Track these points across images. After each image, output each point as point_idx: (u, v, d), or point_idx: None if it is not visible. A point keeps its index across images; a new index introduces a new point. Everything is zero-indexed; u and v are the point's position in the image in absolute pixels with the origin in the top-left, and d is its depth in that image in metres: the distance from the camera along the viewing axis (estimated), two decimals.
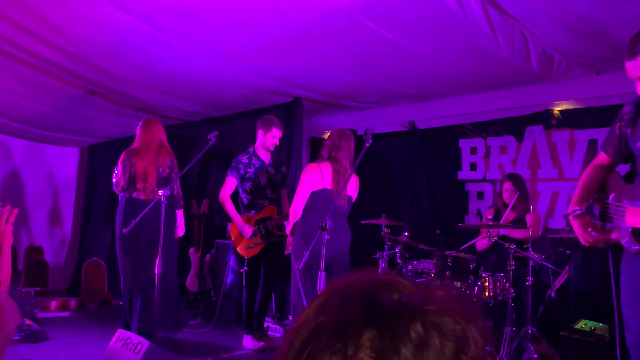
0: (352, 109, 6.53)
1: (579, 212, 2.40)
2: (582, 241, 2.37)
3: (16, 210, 1.76)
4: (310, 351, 0.56)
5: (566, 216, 2.78)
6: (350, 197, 4.24)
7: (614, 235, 2.31)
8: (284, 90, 5.66)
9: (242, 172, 4.88)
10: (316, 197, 4.07)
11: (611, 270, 2.75)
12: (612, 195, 2.38)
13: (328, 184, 4.08)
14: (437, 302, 0.58)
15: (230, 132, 6.90)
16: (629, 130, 2.37)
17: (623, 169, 2.47)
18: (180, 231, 4.86)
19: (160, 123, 4.92)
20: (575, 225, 2.39)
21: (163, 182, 4.63)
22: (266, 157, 4.97)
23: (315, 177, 4.08)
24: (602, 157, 2.53)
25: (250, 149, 5.00)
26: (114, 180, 4.71)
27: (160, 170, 4.66)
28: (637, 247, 2.24)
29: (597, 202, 2.44)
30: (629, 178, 2.40)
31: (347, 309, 0.57)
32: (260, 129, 4.93)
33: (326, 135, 7.05)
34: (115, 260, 4.79)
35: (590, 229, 2.35)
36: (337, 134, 4.21)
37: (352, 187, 4.26)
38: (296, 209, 4.11)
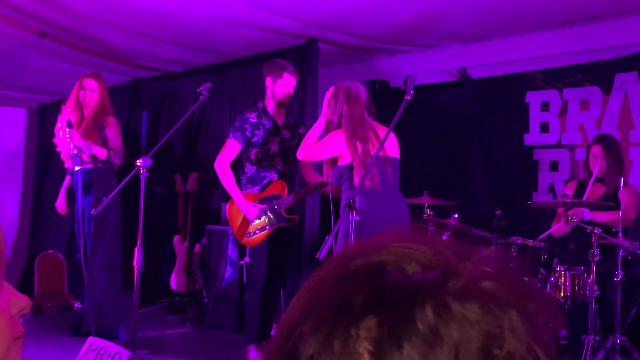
0: (382, 52, 6.51)
1: None
2: None
3: None
4: (294, 340, 0.56)
5: None
6: (394, 160, 4.33)
7: None
8: (295, 29, 5.69)
9: (248, 134, 4.90)
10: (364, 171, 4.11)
11: None
12: None
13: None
14: (463, 278, 0.56)
15: (225, 85, 6.92)
16: None
17: None
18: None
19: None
20: None
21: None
22: (279, 116, 5.01)
23: (342, 149, 4.21)
24: None
25: (260, 104, 5.04)
26: (114, 149, 4.90)
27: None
28: None
29: None
30: None
31: (343, 289, 0.57)
32: (268, 76, 4.93)
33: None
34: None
35: None
36: (345, 96, 4.27)
37: (391, 145, 4.33)
38: (306, 157, 4.36)
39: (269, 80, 4.93)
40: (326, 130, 4.43)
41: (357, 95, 4.30)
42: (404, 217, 4.28)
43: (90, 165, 5.35)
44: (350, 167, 4.23)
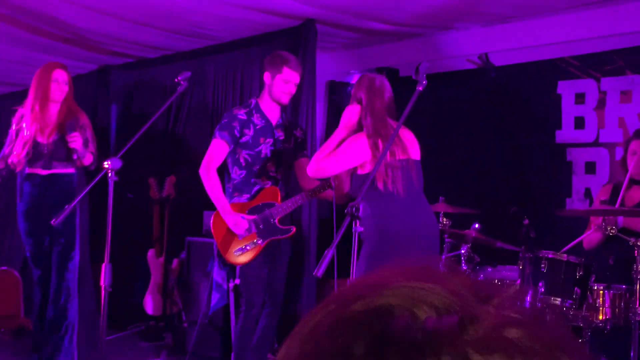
0: (389, 36, 6.44)
1: None
2: None
3: None
4: None
5: None
6: (417, 162, 4.31)
7: None
8: (289, 9, 5.65)
9: (236, 133, 4.86)
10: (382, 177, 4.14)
11: None
12: None
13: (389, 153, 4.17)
14: (484, 324, 0.56)
15: (208, 74, 6.86)
16: None
17: None
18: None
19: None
20: None
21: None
22: (273, 115, 4.99)
23: (366, 157, 4.16)
24: None
25: (252, 101, 5.00)
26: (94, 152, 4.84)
27: None
28: None
29: None
30: None
31: (341, 338, 0.56)
32: (266, 71, 4.91)
33: (352, 79, 6.96)
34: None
35: None
36: (367, 88, 4.27)
37: (413, 146, 4.32)
38: (319, 172, 4.28)
39: (267, 76, 4.90)
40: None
41: (381, 89, 4.27)
42: (431, 227, 4.26)
43: (72, 169, 5.36)
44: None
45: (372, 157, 4.15)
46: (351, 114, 4.27)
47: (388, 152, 4.07)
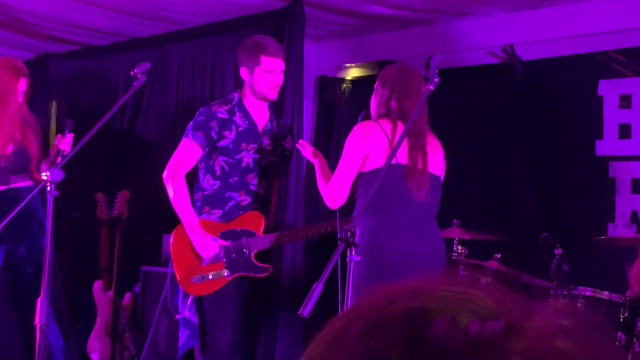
0: (394, 22, 6.46)
1: None
2: None
3: None
4: None
5: None
6: (437, 178, 4.41)
7: None
8: None
9: (213, 135, 4.86)
10: (383, 182, 4.00)
11: None
12: None
13: (402, 157, 4.24)
14: (531, 333, 0.59)
15: (171, 65, 6.86)
16: None
17: None
18: None
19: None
20: None
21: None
22: (260, 115, 5.03)
23: (375, 146, 4.21)
24: None
25: (235, 95, 5.04)
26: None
27: None
28: None
29: None
30: None
31: (374, 343, 0.59)
32: (242, 65, 4.94)
33: (347, 74, 6.98)
34: None
35: None
36: (400, 71, 4.37)
37: (438, 160, 4.42)
38: (336, 197, 4.31)
39: (243, 72, 4.95)
40: None
41: (418, 76, 4.35)
42: (438, 254, 4.37)
43: (29, 182, 5.47)
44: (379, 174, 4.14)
45: (387, 143, 4.23)
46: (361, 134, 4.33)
47: (413, 150, 4.22)
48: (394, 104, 4.28)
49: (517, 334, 0.58)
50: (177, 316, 5.52)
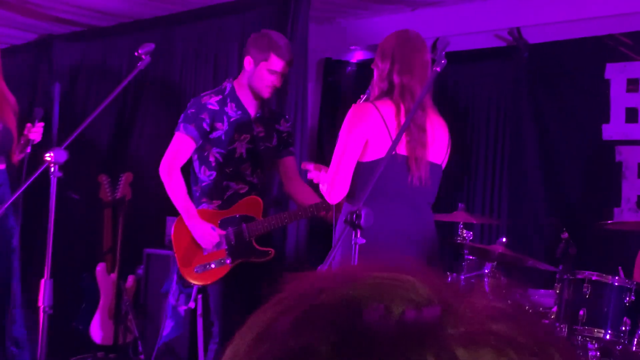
0: (399, 4, 6.46)
1: None
2: None
3: None
4: None
5: None
6: (438, 167, 4.28)
7: None
8: None
9: (205, 127, 4.86)
10: (382, 173, 3.87)
11: None
12: None
13: (401, 148, 4.03)
14: (467, 317, 0.59)
15: (175, 47, 6.85)
16: None
17: None
18: None
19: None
20: None
21: None
22: (252, 104, 5.01)
23: (372, 131, 4.05)
24: None
25: (227, 85, 5.02)
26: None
27: None
28: None
29: None
30: None
31: (304, 334, 0.58)
32: (249, 54, 4.92)
33: (352, 56, 6.95)
34: None
35: None
36: (400, 39, 4.20)
37: (441, 146, 4.28)
38: (333, 189, 4.09)
39: (248, 61, 4.93)
40: None
41: (422, 45, 4.21)
42: (430, 241, 4.25)
43: (3, 166, 5.48)
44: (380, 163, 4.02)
45: (383, 129, 4.05)
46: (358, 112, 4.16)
47: (416, 133, 4.06)
48: (396, 79, 4.07)
49: (455, 319, 0.58)
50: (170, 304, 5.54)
